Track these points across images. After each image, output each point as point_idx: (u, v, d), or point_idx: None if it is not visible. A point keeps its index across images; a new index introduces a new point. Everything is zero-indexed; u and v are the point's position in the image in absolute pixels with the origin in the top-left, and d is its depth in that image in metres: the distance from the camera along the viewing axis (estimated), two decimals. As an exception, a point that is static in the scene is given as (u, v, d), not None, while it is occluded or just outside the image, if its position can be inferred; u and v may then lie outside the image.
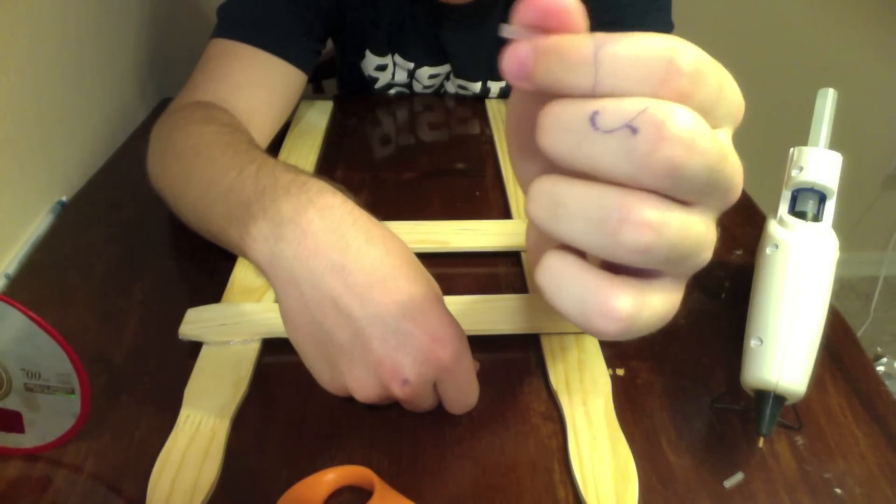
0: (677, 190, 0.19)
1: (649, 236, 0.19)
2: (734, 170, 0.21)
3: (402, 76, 0.78)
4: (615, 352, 0.41)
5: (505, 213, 0.57)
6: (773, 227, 0.40)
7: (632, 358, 0.41)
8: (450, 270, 0.48)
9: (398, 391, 0.32)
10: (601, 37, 0.19)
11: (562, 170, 0.21)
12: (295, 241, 0.33)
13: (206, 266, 0.49)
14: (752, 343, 0.36)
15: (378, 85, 0.79)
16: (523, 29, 0.21)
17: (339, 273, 0.32)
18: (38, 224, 0.58)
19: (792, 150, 0.42)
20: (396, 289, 0.32)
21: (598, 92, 0.19)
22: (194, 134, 0.47)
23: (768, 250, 0.39)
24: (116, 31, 0.80)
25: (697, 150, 0.19)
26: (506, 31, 0.21)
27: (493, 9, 0.68)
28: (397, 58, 0.75)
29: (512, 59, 0.21)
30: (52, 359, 0.32)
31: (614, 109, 0.19)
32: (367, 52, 0.75)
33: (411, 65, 0.76)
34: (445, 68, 0.76)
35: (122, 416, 0.37)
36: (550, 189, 0.21)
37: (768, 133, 1.15)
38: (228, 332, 0.42)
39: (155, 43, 0.93)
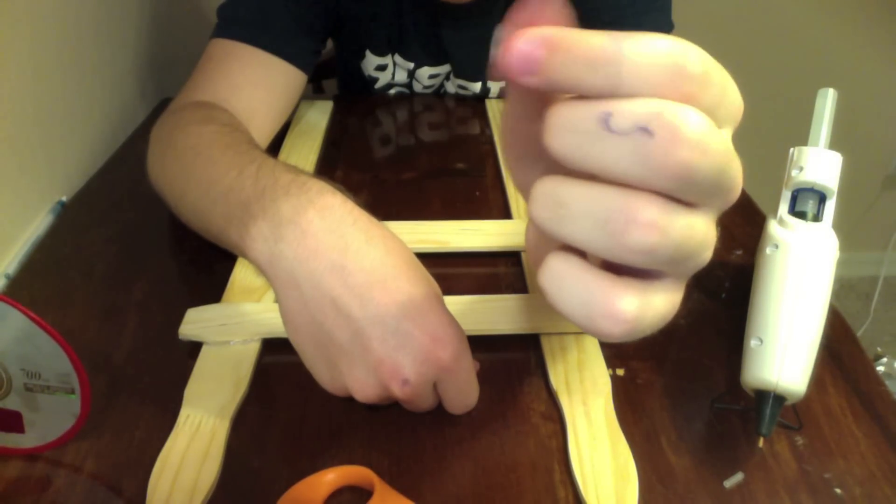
0: (685, 191, 0.19)
1: (655, 237, 0.19)
2: (737, 171, 0.21)
3: (402, 76, 0.78)
4: (615, 352, 0.41)
5: (505, 213, 0.57)
6: (773, 227, 0.40)
7: (632, 358, 0.41)
8: (450, 270, 0.48)
9: (398, 391, 0.32)
10: (619, 36, 0.19)
11: (563, 170, 0.21)
12: (295, 242, 0.33)
13: (206, 266, 0.49)
14: (752, 343, 0.36)
15: (378, 85, 0.79)
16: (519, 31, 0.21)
17: (338, 273, 0.32)
18: (38, 224, 0.58)
19: (792, 150, 0.42)
20: (396, 289, 0.32)
21: (617, 93, 0.19)
22: (194, 134, 0.47)
23: (768, 250, 0.39)
24: (116, 31, 0.80)
25: (710, 153, 0.19)
26: (500, 35, 0.21)
27: (493, 9, 0.68)
28: (397, 58, 0.75)
29: (516, 53, 0.19)
30: (52, 359, 0.32)
31: (628, 111, 0.18)
32: (367, 52, 0.75)
33: (411, 65, 0.76)
34: (445, 68, 0.76)
35: (122, 416, 0.37)
36: (553, 190, 0.21)
37: (768, 133, 1.15)
38: (228, 332, 0.42)
39: (155, 43, 0.93)
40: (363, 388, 0.32)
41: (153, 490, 0.32)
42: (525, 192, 0.25)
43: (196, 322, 0.42)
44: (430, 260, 0.38)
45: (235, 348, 0.41)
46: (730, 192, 0.21)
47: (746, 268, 0.45)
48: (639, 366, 0.41)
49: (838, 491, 0.34)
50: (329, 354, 0.33)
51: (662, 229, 0.19)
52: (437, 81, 0.79)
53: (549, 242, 0.22)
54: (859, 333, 0.94)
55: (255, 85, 0.59)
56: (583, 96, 0.19)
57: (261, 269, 0.34)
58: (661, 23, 0.65)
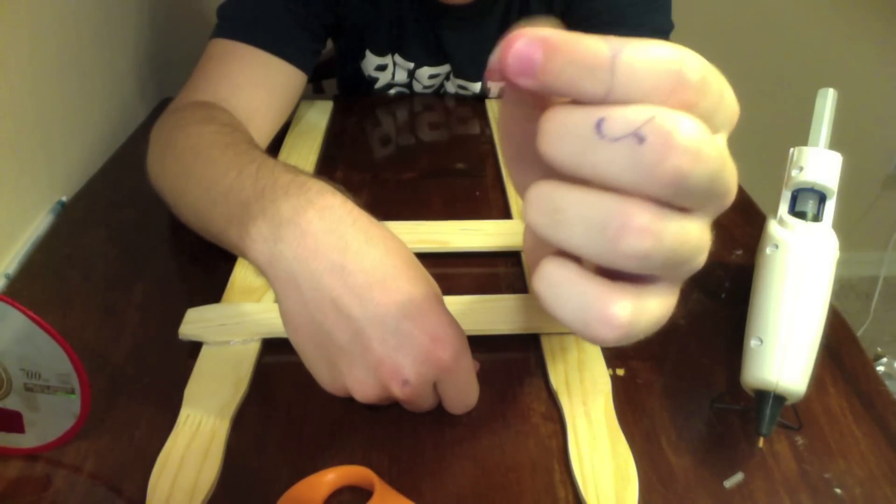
0: (679, 197, 0.19)
1: (649, 242, 0.19)
2: (731, 176, 0.21)
3: (402, 76, 0.78)
4: (615, 352, 0.41)
5: (505, 213, 0.57)
6: (773, 227, 0.40)
7: (632, 358, 0.41)
8: (450, 270, 0.48)
9: (398, 391, 0.32)
10: (616, 42, 0.19)
11: (560, 175, 0.20)
12: (294, 242, 0.33)
13: (206, 266, 0.49)
14: (752, 343, 0.36)
15: (378, 85, 0.79)
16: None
17: (338, 273, 0.32)
18: (38, 224, 0.58)
19: (792, 150, 0.42)
20: (396, 289, 0.32)
21: (610, 99, 0.19)
22: (194, 134, 0.47)
23: (768, 250, 0.39)
24: (116, 31, 0.80)
25: (703, 159, 0.18)
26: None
27: (493, 9, 0.68)
28: (397, 58, 0.75)
29: (515, 55, 0.19)
30: (52, 359, 0.32)
31: (621, 117, 0.18)
32: (367, 52, 0.75)
33: (411, 65, 0.76)
34: (445, 68, 0.76)
35: (122, 416, 0.37)
36: (549, 195, 0.21)
37: (768, 133, 1.16)
38: (228, 332, 0.42)
39: (155, 43, 0.93)
40: (363, 388, 0.32)
41: (153, 490, 0.32)
42: (523, 192, 0.25)
43: (196, 322, 0.42)
44: (430, 260, 0.38)
45: (235, 348, 0.41)
46: (724, 197, 0.21)
47: (746, 268, 0.45)
48: (639, 366, 0.41)
49: (838, 491, 0.34)
50: (329, 354, 0.33)
51: (656, 235, 0.19)
52: (437, 81, 0.79)
53: (547, 247, 0.22)
54: (859, 333, 0.94)
55: (255, 85, 0.59)
56: (579, 101, 0.19)
57: (261, 270, 0.34)
58: (662, 23, 0.65)
